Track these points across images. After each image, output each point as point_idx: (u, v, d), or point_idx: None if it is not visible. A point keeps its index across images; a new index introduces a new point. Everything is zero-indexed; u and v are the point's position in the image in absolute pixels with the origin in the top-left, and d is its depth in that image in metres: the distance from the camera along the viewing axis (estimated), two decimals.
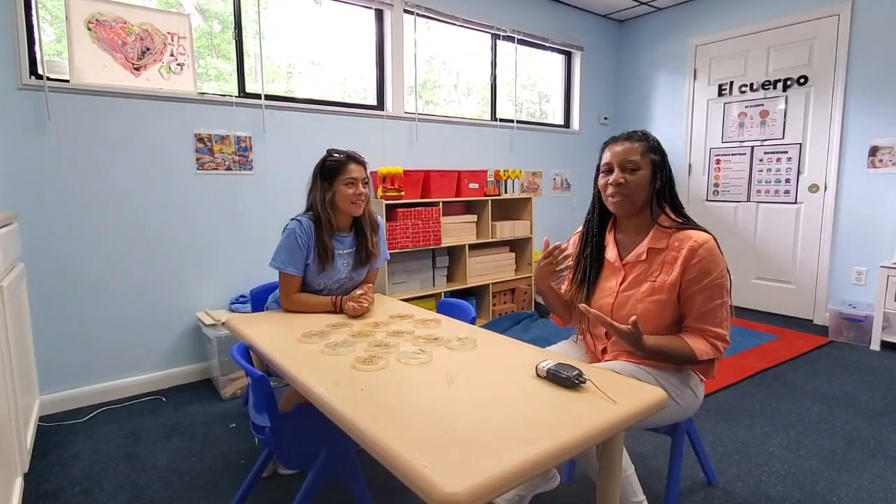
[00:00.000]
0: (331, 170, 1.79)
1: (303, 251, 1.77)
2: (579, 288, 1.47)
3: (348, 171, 1.78)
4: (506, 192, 3.70)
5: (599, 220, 1.48)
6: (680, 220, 1.36)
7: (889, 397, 2.39)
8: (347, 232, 1.88)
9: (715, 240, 1.31)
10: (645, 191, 1.35)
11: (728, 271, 1.31)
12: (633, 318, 1.19)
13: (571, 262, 1.50)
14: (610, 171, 1.37)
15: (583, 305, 1.31)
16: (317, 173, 1.83)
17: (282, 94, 3.01)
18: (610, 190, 1.37)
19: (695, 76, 4.21)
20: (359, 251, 1.87)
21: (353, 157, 1.81)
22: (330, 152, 1.84)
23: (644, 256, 1.36)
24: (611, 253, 1.44)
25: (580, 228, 1.56)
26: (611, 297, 1.40)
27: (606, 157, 1.39)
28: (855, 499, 1.63)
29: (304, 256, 1.78)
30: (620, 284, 1.39)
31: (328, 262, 1.79)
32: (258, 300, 2.02)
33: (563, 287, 1.56)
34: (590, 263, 1.47)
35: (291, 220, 1.81)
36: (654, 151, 1.36)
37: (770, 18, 3.73)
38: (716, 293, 1.28)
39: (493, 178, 3.61)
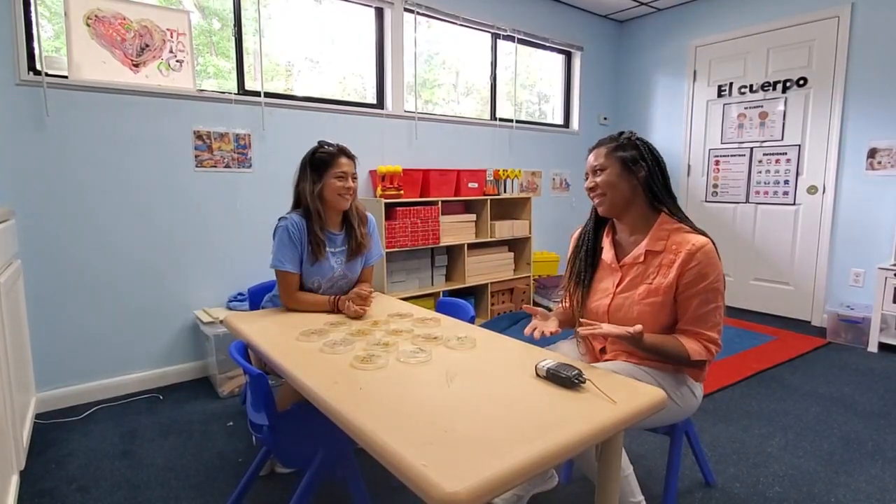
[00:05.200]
0: (321, 162, 1.79)
1: (297, 247, 1.77)
2: (575, 288, 1.49)
3: (339, 165, 1.77)
4: (505, 191, 3.70)
5: (595, 221, 1.51)
6: (679, 222, 1.36)
7: (886, 399, 2.39)
8: (338, 230, 1.87)
9: (713, 243, 1.32)
10: (617, 188, 1.37)
11: (723, 275, 1.32)
12: (639, 326, 1.21)
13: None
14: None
15: (582, 330, 1.27)
16: (305, 164, 1.81)
17: (281, 92, 3.00)
18: (590, 194, 1.45)
19: (694, 77, 4.22)
20: (349, 243, 1.87)
21: (343, 151, 1.81)
22: (321, 143, 1.83)
23: (642, 258, 1.37)
24: (607, 254, 1.45)
25: (577, 231, 1.57)
26: (607, 299, 1.41)
27: (586, 164, 1.48)
28: (852, 500, 1.63)
29: (300, 252, 1.78)
30: (617, 286, 1.40)
31: (320, 253, 1.78)
32: (256, 298, 2.02)
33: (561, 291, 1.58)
34: (585, 264, 1.49)
35: (280, 218, 1.80)
36: (624, 149, 1.38)
37: (770, 20, 3.73)
38: (711, 297, 1.29)
39: (492, 178, 3.61)
